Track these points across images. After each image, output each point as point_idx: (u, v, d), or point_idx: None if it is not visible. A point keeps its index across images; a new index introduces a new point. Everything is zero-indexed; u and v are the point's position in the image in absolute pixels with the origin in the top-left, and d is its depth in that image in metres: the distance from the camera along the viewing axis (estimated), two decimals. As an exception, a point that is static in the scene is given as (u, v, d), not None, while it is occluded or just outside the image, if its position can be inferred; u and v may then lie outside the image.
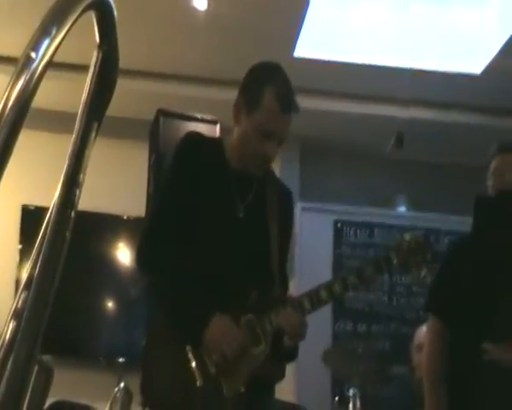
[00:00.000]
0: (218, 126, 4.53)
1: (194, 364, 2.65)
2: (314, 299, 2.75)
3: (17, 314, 0.91)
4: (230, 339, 2.64)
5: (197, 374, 2.64)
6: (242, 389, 2.65)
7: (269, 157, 2.76)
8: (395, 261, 2.86)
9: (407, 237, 2.92)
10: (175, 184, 2.82)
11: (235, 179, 2.81)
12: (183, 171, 2.80)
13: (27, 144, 4.90)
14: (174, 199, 2.78)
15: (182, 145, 2.85)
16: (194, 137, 2.94)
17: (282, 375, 2.84)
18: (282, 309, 2.70)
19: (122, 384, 3.96)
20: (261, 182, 2.87)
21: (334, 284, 2.80)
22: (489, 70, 5.83)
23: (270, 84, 2.73)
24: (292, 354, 2.82)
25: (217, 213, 2.78)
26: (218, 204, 2.80)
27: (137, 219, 5.80)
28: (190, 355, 2.65)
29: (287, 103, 2.73)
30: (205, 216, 2.76)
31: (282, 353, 2.74)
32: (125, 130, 6.36)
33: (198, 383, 2.63)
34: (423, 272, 2.91)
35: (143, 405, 2.82)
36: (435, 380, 3.37)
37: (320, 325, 6.15)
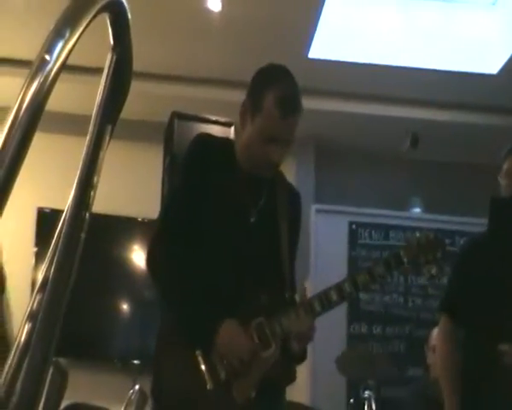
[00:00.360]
0: (232, 128, 4.54)
1: (204, 368, 2.63)
2: (324, 300, 2.72)
3: (32, 316, 0.92)
4: (239, 347, 2.62)
5: (207, 378, 2.63)
6: (253, 394, 2.63)
7: (273, 162, 2.72)
8: (405, 259, 2.84)
9: (418, 235, 2.90)
10: (186, 186, 2.80)
11: (247, 182, 2.79)
12: (194, 173, 2.78)
13: (42, 147, 4.91)
14: (185, 202, 2.75)
15: (192, 147, 2.82)
16: (205, 138, 2.92)
17: (292, 378, 2.82)
18: (293, 314, 2.68)
19: (137, 386, 3.96)
20: (271, 184, 2.85)
21: (344, 284, 2.76)
22: (505, 70, 5.81)
23: (271, 88, 2.68)
24: (301, 357, 2.81)
25: (229, 218, 2.77)
26: (230, 208, 2.78)
27: (152, 222, 5.78)
28: (200, 360, 2.64)
29: (287, 108, 2.67)
30: (217, 220, 2.74)
31: (292, 356, 2.72)
32: (139, 132, 6.37)
33: (208, 387, 2.62)
34: (433, 271, 2.88)
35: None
36: (452, 379, 3.37)
37: (335, 328, 6.14)
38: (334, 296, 2.73)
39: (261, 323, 2.68)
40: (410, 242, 2.87)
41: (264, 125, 2.68)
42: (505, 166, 3.45)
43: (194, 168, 2.79)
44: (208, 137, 2.97)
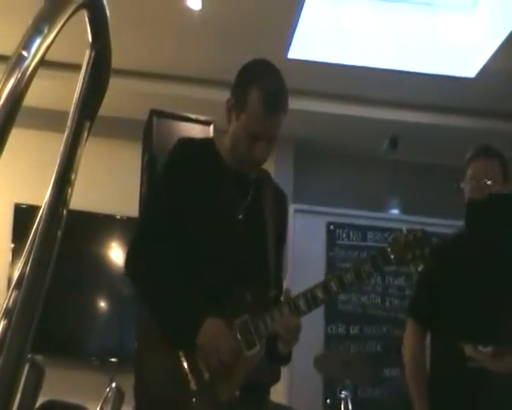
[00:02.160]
0: (211, 127, 4.53)
1: (187, 369, 2.61)
2: (310, 299, 2.70)
3: (8, 313, 0.91)
4: (222, 345, 2.60)
5: (190, 378, 2.61)
6: (237, 393, 2.62)
7: (257, 159, 2.72)
8: (392, 256, 2.82)
9: (404, 231, 2.89)
10: (168, 186, 2.79)
11: (233, 179, 2.78)
12: (176, 174, 2.77)
13: (20, 143, 4.90)
14: (168, 202, 2.74)
15: (174, 150, 2.82)
16: (186, 140, 2.93)
17: (277, 378, 2.82)
18: (278, 312, 2.66)
19: (114, 384, 3.95)
20: (257, 182, 2.85)
21: (330, 282, 2.73)
22: (483, 73, 5.84)
23: (256, 85, 2.67)
24: (286, 358, 2.79)
25: (217, 214, 2.76)
26: (218, 205, 2.77)
27: (130, 219, 5.80)
28: (183, 360, 2.62)
29: (272, 105, 2.66)
30: (204, 217, 2.73)
31: (277, 357, 2.71)
32: (118, 130, 6.36)
33: (192, 387, 2.60)
34: (420, 267, 2.88)
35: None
36: (420, 383, 3.40)
37: (312, 328, 6.15)
38: (320, 295, 2.70)
39: (246, 321, 2.66)
40: (396, 238, 2.84)
41: (248, 122, 2.68)
42: (469, 172, 3.43)
43: (177, 169, 2.78)
44: (189, 139, 2.98)
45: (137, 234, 2.82)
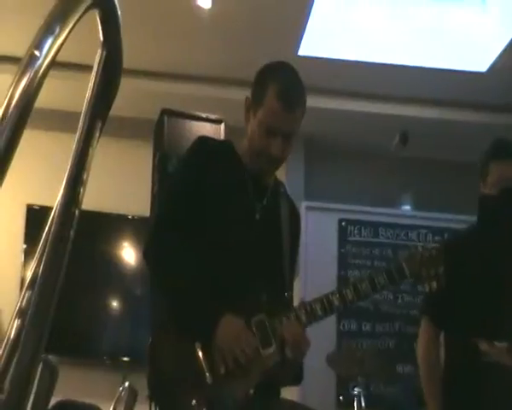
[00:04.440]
0: (222, 125, 4.53)
1: (203, 361, 2.60)
2: (326, 305, 2.72)
3: (22, 313, 0.91)
4: (244, 344, 2.59)
5: (206, 370, 2.59)
6: (252, 391, 2.61)
7: (274, 155, 2.73)
8: (408, 273, 2.82)
9: (420, 249, 2.89)
10: (187, 182, 2.80)
11: (252, 181, 2.81)
12: (195, 170, 2.79)
13: (32, 144, 4.90)
14: (187, 194, 2.75)
15: (195, 146, 2.85)
16: (206, 139, 2.97)
17: (295, 379, 2.82)
18: (294, 315, 2.67)
19: (127, 383, 3.95)
20: (274, 188, 2.89)
21: (346, 290, 2.75)
22: (494, 68, 5.82)
23: (273, 82, 2.73)
24: (297, 376, 2.80)
25: (235, 213, 2.77)
26: (236, 204, 2.79)
27: (142, 219, 5.80)
28: (199, 352, 2.61)
29: (288, 100, 2.70)
30: (222, 214, 2.74)
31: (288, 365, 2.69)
32: (129, 129, 6.37)
33: (207, 380, 2.59)
34: (434, 285, 2.88)
35: (150, 398, 2.80)
36: (434, 383, 3.38)
37: (325, 325, 6.12)
38: (336, 302, 2.73)
39: (262, 320, 2.66)
40: (412, 255, 2.85)
41: (264, 117, 2.71)
42: (490, 178, 3.36)
43: (197, 163, 2.80)
44: (209, 138, 3.04)
45: (157, 221, 2.84)
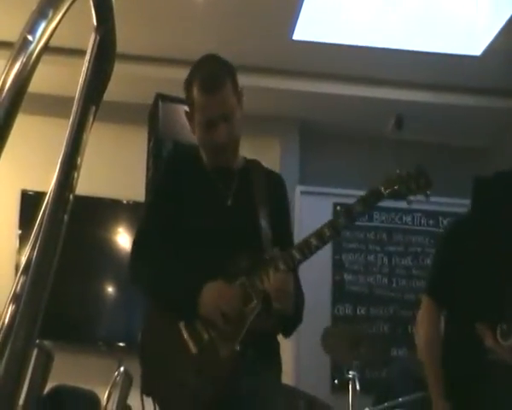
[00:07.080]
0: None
1: (186, 335, 2.73)
2: (304, 248, 2.78)
3: (16, 298, 0.91)
4: (228, 297, 2.70)
5: (190, 344, 2.72)
6: (238, 348, 2.70)
7: (220, 142, 2.83)
8: (386, 192, 2.89)
9: (398, 170, 2.94)
10: (161, 196, 2.98)
11: (216, 177, 2.92)
12: (167, 184, 2.96)
13: (26, 129, 4.89)
14: (161, 209, 2.92)
15: (165, 162, 3.16)
16: (174, 155, 3.26)
17: (281, 329, 2.86)
18: (272, 268, 2.73)
19: (122, 369, 3.96)
20: (243, 171, 2.97)
21: (323, 229, 2.81)
22: (489, 51, 5.82)
23: (193, 81, 2.87)
24: (293, 319, 2.82)
25: (207, 205, 2.90)
26: (207, 198, 2.91)
27: (137, 204, 5.80)
28: (183, 329, 2.73)
29: (208, 87, 2.81)
30: (196, 212, 2.86)
31: (279, 316, 2.74)
32: (123, 114, 6.35)
33: (192, 350, 2.71)
34: (418, 196, 2.92)
35: (141, 392, 2.85)
36: (437, 365, 3.36)
37: (319, 309, 6.16)
38: (315, 242, 2.79)
39: (243, 283, 2.75)
40: (389, 176, 2.92)
41: (199, 115, 2.84)
42: None
43: (167, 180, 2.98)
44: (176, 154, 3.37)
45: (135, 246, 2.95)
